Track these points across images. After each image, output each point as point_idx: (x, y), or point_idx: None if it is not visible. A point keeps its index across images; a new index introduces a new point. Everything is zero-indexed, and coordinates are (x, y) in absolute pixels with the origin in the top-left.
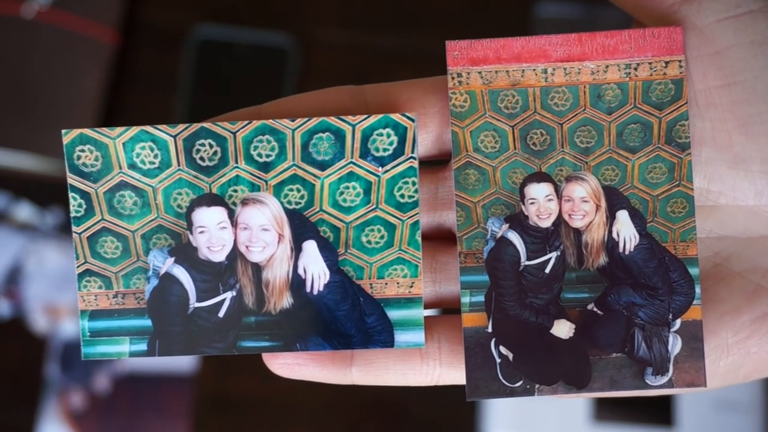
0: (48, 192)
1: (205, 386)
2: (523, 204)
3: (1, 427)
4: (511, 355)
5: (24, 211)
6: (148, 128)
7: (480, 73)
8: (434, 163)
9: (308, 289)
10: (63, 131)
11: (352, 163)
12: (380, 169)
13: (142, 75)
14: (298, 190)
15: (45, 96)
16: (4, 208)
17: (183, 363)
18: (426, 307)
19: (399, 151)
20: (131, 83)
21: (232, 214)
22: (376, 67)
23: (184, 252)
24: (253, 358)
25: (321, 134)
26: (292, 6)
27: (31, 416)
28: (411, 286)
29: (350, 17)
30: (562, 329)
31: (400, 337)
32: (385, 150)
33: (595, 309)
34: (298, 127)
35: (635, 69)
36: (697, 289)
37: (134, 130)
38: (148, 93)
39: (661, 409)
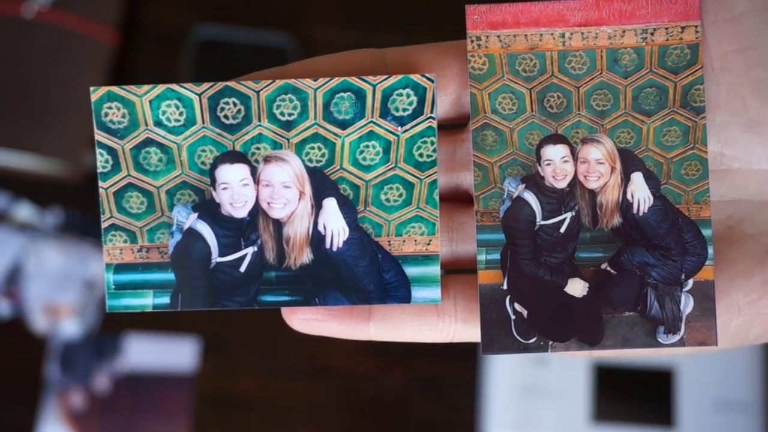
0: (48, 192)
1: (205, 386)
2: (540, 165)
3: (1, 426)
4: (525, 312)
5: (24, 211)
6: (174, 86)
7: (499, 36)
8: (453, 127)
9: (328, 246)
10: (91, 88)
11: (372, 122)
12: (399, 128)
13: (142, 75)
14: (320, 149)
15: (45, 96)
16: (4, 208)
17: (183, 363)
18: (442, 266)
19: (418, 111)
20: (131, 83)
21: (254, 171)
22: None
23: (208, 208)
24: (253, 358)
25: (342, 94)
26: (292, 6)
27: (31, 416)
28: (428, 244)
29: (350, 17)
30: (576, 288)
31: (417, 293)
32: (404, 110)
33: (609, 268)
34: (320, 86)
35: (652, 34)
36: (710, 250)
37: (161, 88)
38: None
39: (661, 409)
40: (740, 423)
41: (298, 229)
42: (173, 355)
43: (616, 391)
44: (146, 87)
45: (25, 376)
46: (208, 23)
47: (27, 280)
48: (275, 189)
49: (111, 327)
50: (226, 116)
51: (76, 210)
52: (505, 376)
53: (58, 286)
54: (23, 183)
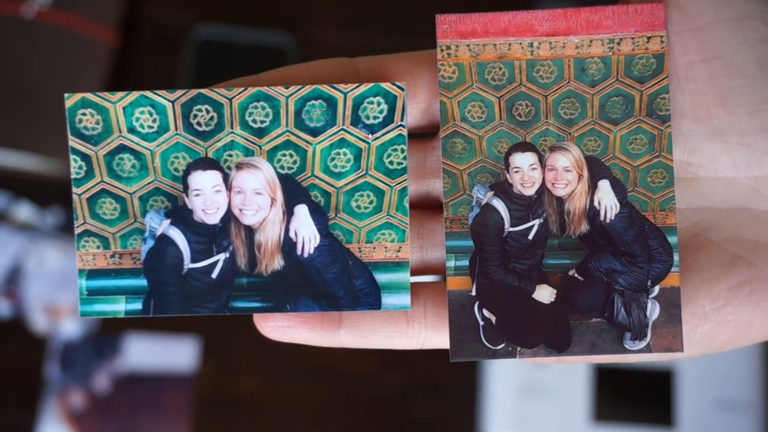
0: (48, 192)
1: (205, 386)
2: (508, 172)
3: (1, 426)
4: (494, 318)
5: (24, 211)
6: (148, 93)
7: (468, 45)
8: (423, 135)
9: (299, 252)
10: (65, 95)
11: (343, 130)
12: (370, 136)
13: (142, 75)
14: (291, 156)
15: (45, 96)
16: (4, 208)
17: (183, 363)
18: (412, 273)
19: (389, 119)
20: (131, 83)
21: (226, 178)
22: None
23: (180, 214)
24: (253, 358)
25: (314, 101)
26: (292, 6)
27: (31, 416)
28: (398, 251)
29: (350, 17)
30: (544, 294)
31: (387, 299)
32: (375, 118)
33: (576, 275)
34: (292, 94)
35: (618, 44)
36: (675, 257)
37: (134, 95)
38: None
39: (661, 409)
40: (740, 423)
41: (269, 236)
42: (173, 355)
43: (616, 391)
44: (120, 94)
45: (25, 376)
46: (208, 23)
47: (27, 280)
48: (247, 196)
49: (111, 327)
50: (199, 123)
51: None
52: (505, 376)
53: (58, 286)
54: (23, 183)
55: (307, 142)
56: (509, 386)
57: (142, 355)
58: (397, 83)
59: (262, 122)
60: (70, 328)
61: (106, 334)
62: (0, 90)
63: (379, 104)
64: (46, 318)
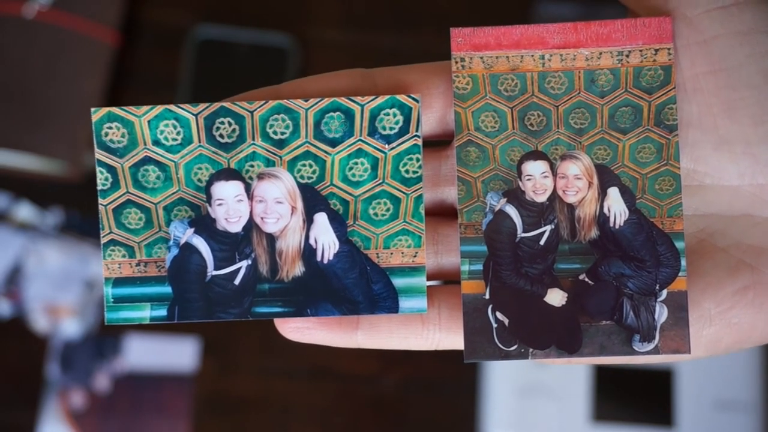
0: (48, 192)
1: (205, 386)
2: (521, 180)
3: (2, 426)
4: (507, 321)
5: (24, 211)
6: (172, 107)
7: (482, 58)
8: (438, 144)
9: (319, 258)
10: (92, 109)
11: (360, 140)
12: (387, 146)
13: (142, 75)
14: (311, 166)
15: (45, 96)
16: (4, 208)
17: (183, 363)
18: (428, 277)
19: (404, 130)
20: (131, 83)
21: (248, 188)
22: (376, 68)
23: (203, 223)
24: (253, 358)
25: (332, 113)
26: (292, 6)
27: (32, 416)
28: (414, 256)
29: (350, 17)
30: (555, 297)
31: (404, 303)
32: (391, 128)
33: (587, 279)
34: (311, 106)
35: (627, 56)
36: (683, 262)
37: (159, 109)
38: (148, 93)
39: (661, 409)
40: (740, 423)
41: (290, 243)
42: (173, 355)
43: (616, 391)
44: (145, 108)
45: (25, 376)
46: (208, 23)
47: (27, 280)
48: (268, 204)
49: (111, 327)
50: (221, 135)
51: (76, 210)
52: (505, 376)
53: (58, 286)
54: (23, 183)
55: (325, 152)
56: (509, 386)
57: (142, 355)
58: (412, 95)
59: (282, 134)
60: (70, 328)
61: (107, 334)
62: (0, 90)
63: (394, 115)
64: (46, 318)
